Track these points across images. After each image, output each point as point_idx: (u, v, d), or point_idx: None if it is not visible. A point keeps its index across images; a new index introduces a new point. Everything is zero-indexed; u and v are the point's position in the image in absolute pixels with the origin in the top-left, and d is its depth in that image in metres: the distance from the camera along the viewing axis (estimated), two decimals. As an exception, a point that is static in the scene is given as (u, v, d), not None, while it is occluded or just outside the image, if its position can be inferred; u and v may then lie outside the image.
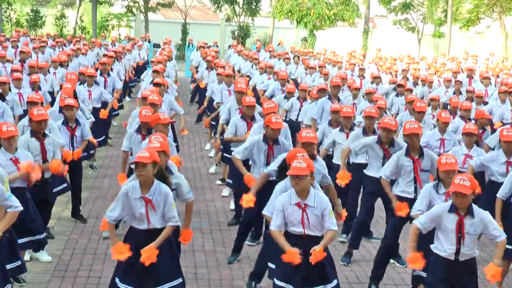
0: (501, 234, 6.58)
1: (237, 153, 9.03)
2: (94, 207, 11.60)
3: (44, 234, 8.51)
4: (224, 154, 11.97)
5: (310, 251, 6.44)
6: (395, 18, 46.06)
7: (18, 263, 7.41)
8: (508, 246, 8.35)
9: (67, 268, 8.85)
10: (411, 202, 8.16)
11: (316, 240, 6.59)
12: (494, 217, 8.38)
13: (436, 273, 6.70)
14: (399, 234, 8.65)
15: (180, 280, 6.87)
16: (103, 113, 13.75)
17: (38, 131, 8.87)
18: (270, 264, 7.55)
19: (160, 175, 6.75)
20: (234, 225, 10.73)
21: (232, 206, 11.69)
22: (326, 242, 6.56)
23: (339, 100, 12.89)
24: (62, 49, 23.86)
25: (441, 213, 6.58)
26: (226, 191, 12.12)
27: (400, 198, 8.42)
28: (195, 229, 10.73)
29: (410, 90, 16.28)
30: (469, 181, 6.37)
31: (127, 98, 23.12)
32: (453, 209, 6.50)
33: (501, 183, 8.93)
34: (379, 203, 9.47)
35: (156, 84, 12.94)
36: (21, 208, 6.74)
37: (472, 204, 6.52)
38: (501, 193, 8.49)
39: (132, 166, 6.72)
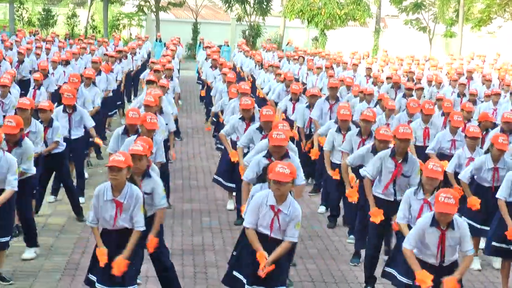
0: (471, 249, 6.64)
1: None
2: (105, 205, 11.60)
3: (7, 238, 8.22)
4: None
5: (261, 267, 6.44)
6: (406, 18, 45.93)
7: None
8: (501, 245, 8.42)
9: (78, 266, 8.86)
10: (390, 204, 8.26)
11: (279, 243, 6.61)
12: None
13: None
14: (382, 240, 8.60)
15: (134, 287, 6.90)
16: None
17: (7, 140, 8.52)
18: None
19: (131, 178, 6.78)
20: (240, 224, 10.74)
21: (229, 206, 11.79)
22: (277, 255, 6.53)
23: (337, 100, 12.82)
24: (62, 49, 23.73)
25: (424, 227, 6.62)
26: (230, 204, 11.96)
27: (379, 200, 8.38)
28: (205, 228, 10.77)
29: (422, 89, 16.22)
30: (453, 198, 6.37)
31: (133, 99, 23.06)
32: (434, 223, 6.55)
33: (487, 187, 9.09)
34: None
35: (148, 82, 12.99)
36: None
37: (453, 217, 6.54)
38: (502, 194, 8.47)
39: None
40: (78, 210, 10.82)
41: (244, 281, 6.69)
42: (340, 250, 10.08)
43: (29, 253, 9.06)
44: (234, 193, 11.55)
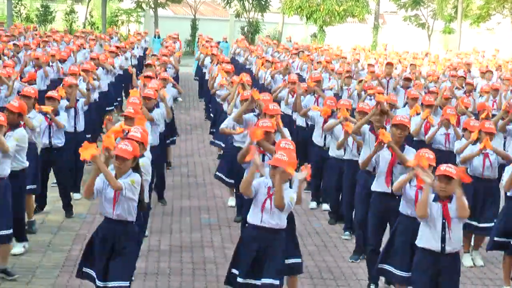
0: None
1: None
2: (103, 202, 11.58)
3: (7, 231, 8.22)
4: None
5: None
6: (405, 14, 45.95)
7: None
8: (503, 239, 8.58)
9: (76, 263, 8.76)
10: (389, 196, 8.07)
11: (274, 232, 6.74)
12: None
13: (421, 271, 6.76)
14: (382, 235, 8.48)
15: (126, 283, 6.73)
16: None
17: (8, 122, 8.39)
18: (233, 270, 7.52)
19: (135, 166, 6.71)
20: (239, 221, 10.71)
21: (231, 203, 11.74)
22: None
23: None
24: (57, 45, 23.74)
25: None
26: (232, 201, 11.83)
27: (379, 194, 8.26)
28: (203, 225, 10.75)
29: (420, 85, 16.20)
30: (454, 169, 6.55)
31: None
32: (436, 198, 6.66)
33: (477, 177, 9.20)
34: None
35: (147, 77, 12.81)
36: None
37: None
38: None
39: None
40: (68, 208, 10.78)
41: (237, 272, 6.83)
42: (339, 247, 10.07)
43: (18, 248, 8.98)
44: (234, 190, 11.52)
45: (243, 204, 9.37)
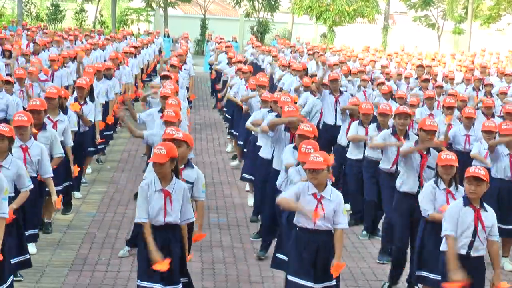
0: (497, 235, 6.71)
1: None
2: (112, 201, 11.60)
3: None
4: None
5: (331, 264, 6.53)
6: (415, 15, 45.84)
7: (26, 256, 7.58)
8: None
9: (85, 262, 8.85)
10: (416, 197, 8.02)
11: (325, 233, 6.61)
12: None
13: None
14: (409, 238, 8.41)
15: (186, 279, 6.93)
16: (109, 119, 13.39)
17: (34, 124, 8.51)
18: (278, 255, 7.46)
19: (174, 169, 6.70)
20: (255, 221, 10.67)
21: (250, 202, 11.64)
22: (339, 251, 6.62)
23: (341, 93, 12.71)
24: (75, 43, 23.87)
25: (457, 210, 6.61)
26: (251, 200, 11.70)
27: (406, 194, 8.26)
28: (213, 224, 10.74)
29: (441, 87, 16.12)
30: (484, 170, 6.53)
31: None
32: (467, 202, 6.59)
33: (502, 179, 9.15)
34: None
35: (163, 77, 12.63)
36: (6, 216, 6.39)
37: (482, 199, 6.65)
38: None
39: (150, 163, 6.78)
40: (68, 206, 10.77)
41: (310, 284, 6.63)
42: (359, 248, 10.02)
43: (32, 247, 8.93)
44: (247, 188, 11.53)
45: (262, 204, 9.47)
